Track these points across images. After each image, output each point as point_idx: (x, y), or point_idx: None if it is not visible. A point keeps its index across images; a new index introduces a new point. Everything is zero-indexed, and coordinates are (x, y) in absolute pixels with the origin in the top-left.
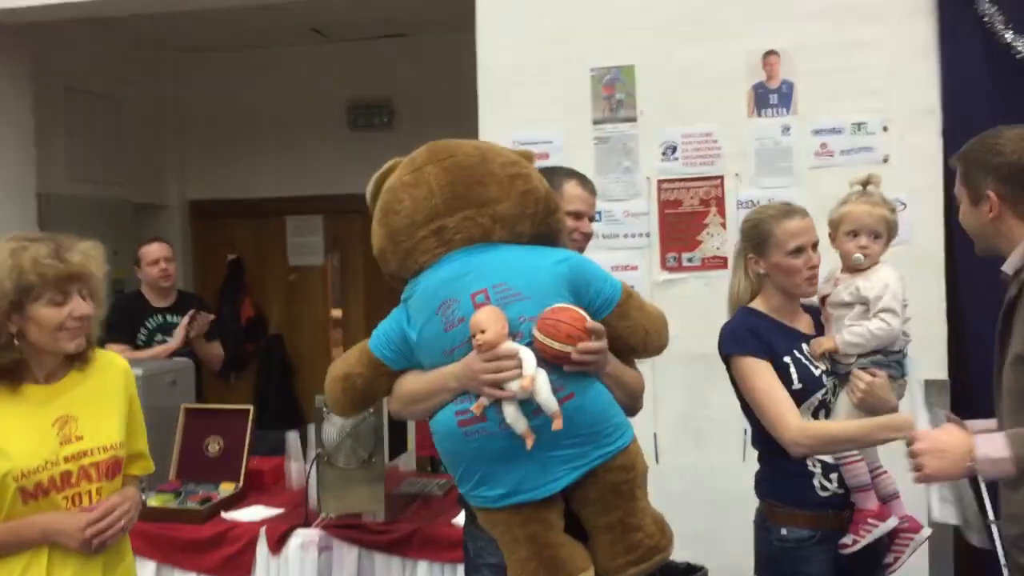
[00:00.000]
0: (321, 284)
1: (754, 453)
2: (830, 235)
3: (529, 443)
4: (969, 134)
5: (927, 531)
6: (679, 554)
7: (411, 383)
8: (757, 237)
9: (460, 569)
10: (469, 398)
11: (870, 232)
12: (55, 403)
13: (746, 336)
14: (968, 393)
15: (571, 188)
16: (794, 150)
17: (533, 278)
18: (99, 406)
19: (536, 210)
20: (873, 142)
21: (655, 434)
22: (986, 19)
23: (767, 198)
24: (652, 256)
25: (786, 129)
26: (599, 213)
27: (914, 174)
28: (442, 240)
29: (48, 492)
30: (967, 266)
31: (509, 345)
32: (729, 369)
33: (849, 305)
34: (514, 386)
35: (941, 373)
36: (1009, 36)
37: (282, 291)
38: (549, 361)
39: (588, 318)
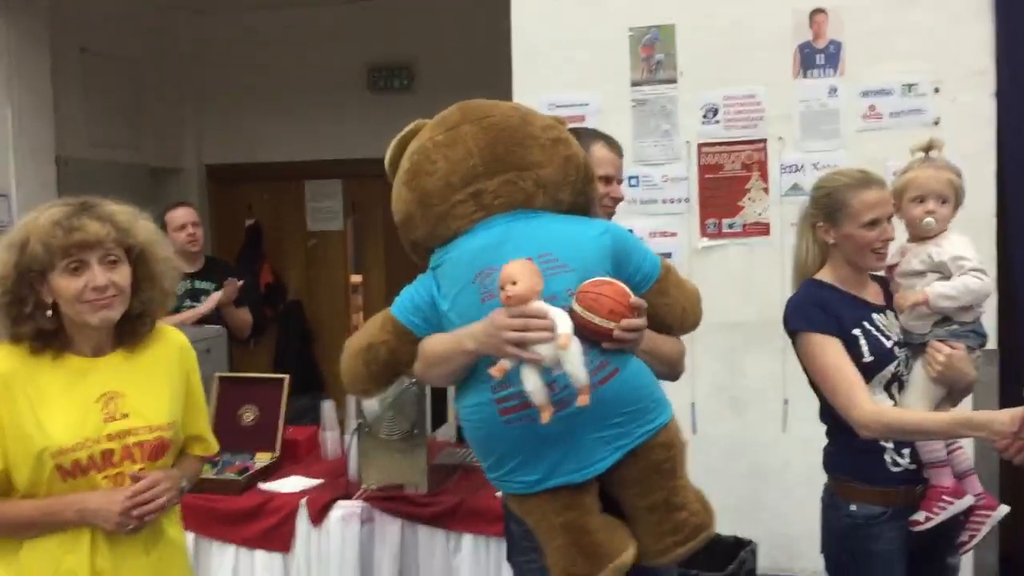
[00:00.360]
0: (340, 249)
1: (794, 424)
2: (894, 205)
3: (546, 417)
4: (1021, 96)
5: (1004, 509)
6: (719, 527)
7: (431, 344)
8: (830, 206)
9: (504, 543)
10: (508, 384)
11: (937, 196)
12: (101, 378)
13: (813, 311)
14: (1018, 361)
15: (599, 151)
16: (841, 112)
17: (578, 249)
18: (149, 384)
19: (577, 177)
20: (924, 104)
21: (692, 404)
22: None
23: (811, 163)
24: (692, 222)
25: (833, 91)
26: (636, 178)
27: (966, 137)
28: (480, 205)
29: (87, 471)
30: (1020, 233)
31: (540, 304)
32: (796, 345)
33: (921, 274)
34: (544, 350)
35: (991, 343)
36: None
37: (301, 256)
38: (587, 337)
39: (631, 293)
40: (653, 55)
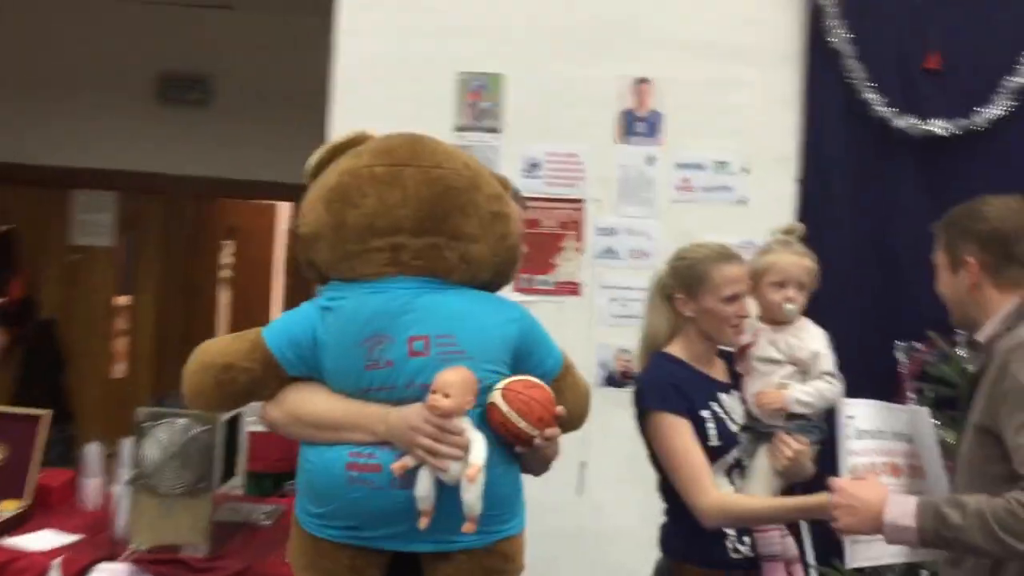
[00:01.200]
0: (108, 267)
1: (592, 487)
2: (749, 285)
3: (424, 523)
4: (823, 184)
5: None
6: None
7: (322, 405)
8: (691, 278)
9: None
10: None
11: (797, 283)
12: None
13: (668, 390)
14: None
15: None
16: (657, 181)
17: (481, 336)
18: None
19: (504, 259)
20: (733, 182)
21: None
22: (849, 75)
23: (626, 228)
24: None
25: (651, 159)
26: None
27: (770, 218)
28: (396, 260)
29: None
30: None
31: (462, 424)
32: (644, 422)
33: (777, 362)
34: (454, 469)
35: None
36: (870, 95)
37: (60, 272)
38: (502, 436)
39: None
40: (479, 102)
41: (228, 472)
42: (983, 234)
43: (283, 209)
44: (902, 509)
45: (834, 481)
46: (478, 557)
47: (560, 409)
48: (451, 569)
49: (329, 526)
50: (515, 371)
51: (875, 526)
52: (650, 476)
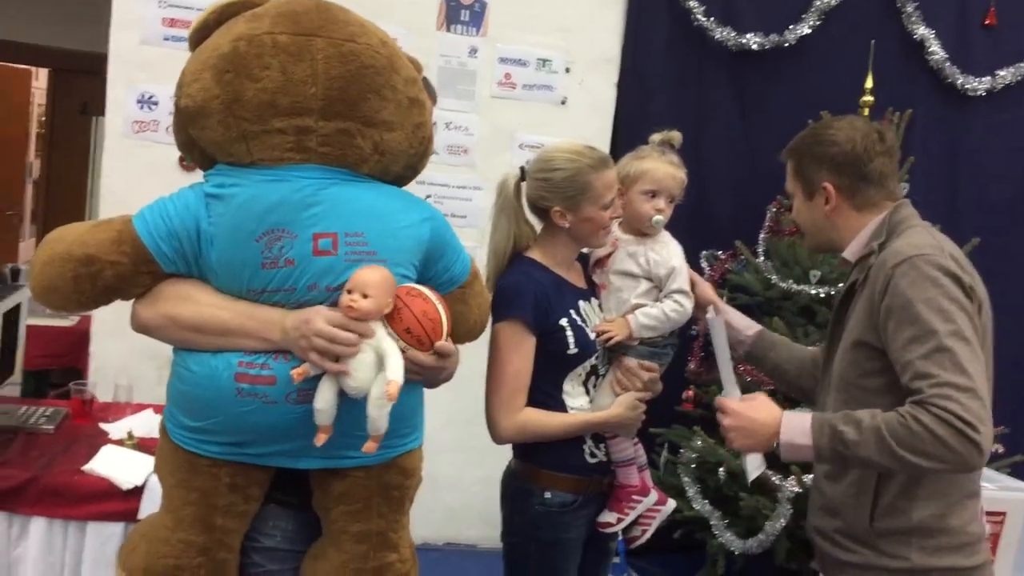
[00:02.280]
0: None
1: None
2: (619, 189)
3: (321, 440)
4: (642, 89)
5: (672, 504)
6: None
7: (206, 306)
8: (572, 189)
9: (89, 528)
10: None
11: (669, 195)
12: None
13: (524, 300)
14: None
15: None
16: (479, 75)
17: (392, 236)
18: None
19: (418, 152)
20: (555, 81)
21: None
22: None
23: (444, 122)
24: None
25: (473, 51)
26: None
27: (588, 120)
28: (301, 145)
29: None
30: None
31: (379, 329)
32: (494, 323)
33: (635, 277)
34: (363, 379)
35: None
36: (691, 3)
37: None
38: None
39: (446, 324)
40: None
41: (3, 370)
42: (836, 158)
43: (40, 76)
44: (797, 428)
45: (724, 403)
46: (375, 473)
47: (445, 340)
48: (344, 486)
49: (208, 441)
50: (422, 274)
51: (770, 446)
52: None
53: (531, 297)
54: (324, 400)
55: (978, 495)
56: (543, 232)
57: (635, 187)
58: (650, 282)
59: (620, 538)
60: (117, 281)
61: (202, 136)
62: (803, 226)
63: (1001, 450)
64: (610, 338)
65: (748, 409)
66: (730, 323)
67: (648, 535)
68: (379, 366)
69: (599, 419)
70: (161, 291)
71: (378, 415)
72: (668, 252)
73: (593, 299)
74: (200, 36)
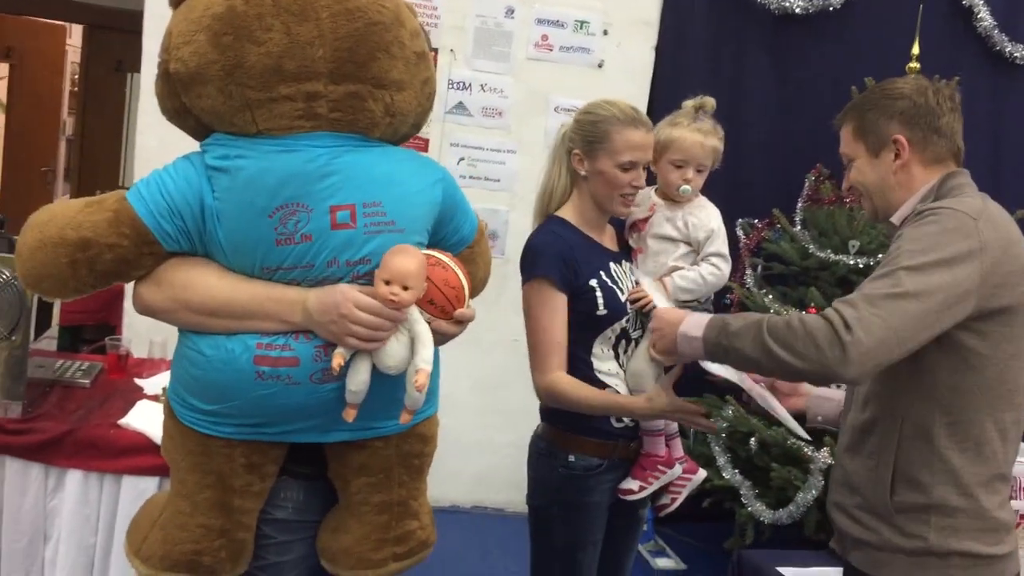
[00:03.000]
0: None
1: None
2: (652, 156)
3: (351, 416)
4: (680, 54)
5: (703, 473)
6: None
7: (220, 288)
8: (593, 135)
9: (124, 481)
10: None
11: (698, 165)
12: None
13: (555, 260)
14: None
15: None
16: (515, 36)
17: (409, 204)
18: None
19: (424, 109)
20: (592, 43)
21: None
22: None
23: (480, 83)
24: None
25: (510, 11)
26: None
27: (625, 84)
28: (311, 112)
29: None
30: None
31: (415, 313)
32: (524, 284)
33: (673, 241)
34: (400, 356)
35: None
36: None
37: None
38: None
39: (467, 290)
40: None
41: (42, 324)
42: (907, 110)
43: (75, 33)
44: (695, 322)
45: (655, 311)
46: (395, 442)
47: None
48: (364, 457)
49: (224, 423)
50: (433, 236)
51: (673, 343)
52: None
53: (558, 256)
54: (359, 382)
55: (1008, 479)
56: (575, 191)
57: (665, 155)
58: (688, 246)
59: (649, 505)
60: (118, 265)
61: (198, 104)
62: (867, 187)
63: None
64: (646, 303)
65: (666, 312)
66: (825, 397)
67: (678, 503)
68: (412, 343)
69: (630, 408)
70: (167, 273)
71: (417, 393)
72: (707, 215)
73: (626, 262)
74: None
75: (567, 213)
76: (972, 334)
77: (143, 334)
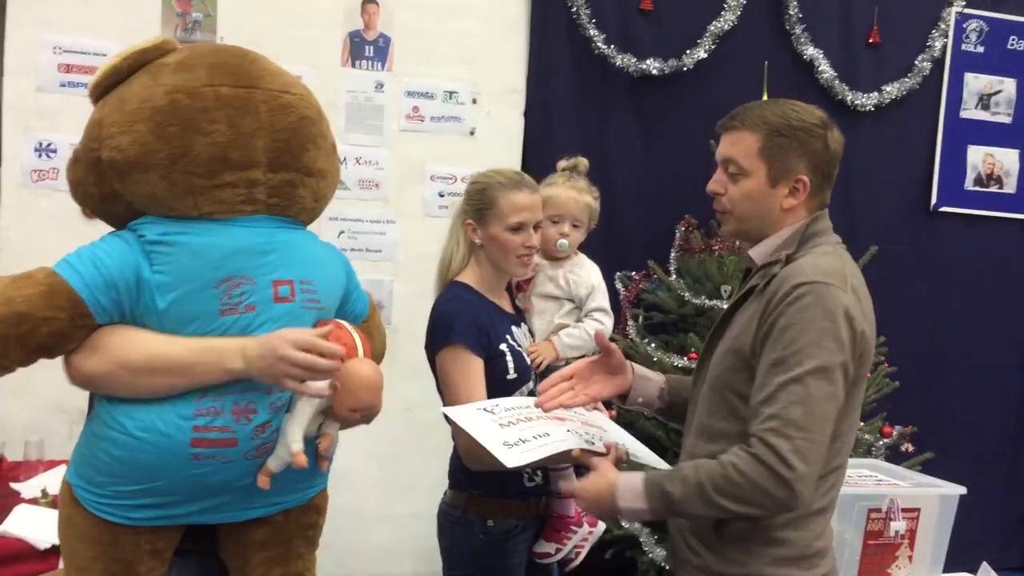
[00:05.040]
0: None
1: None
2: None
3: (266, 483)
4: (548, 118)
5: (602, 526)
6: None
7: (157, 345)
8: (480, 203)
9: None
10: (215, 402)
11: (573, 220)
12: None
13: (467, 324)
14: None
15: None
16: (386, 109)
17: (329, 283)
18: None
19: (330, 195)
20: (462, 112)
21: None
22: (573, 8)
23: (355, 155)
24: None
25: (379, 85)
26: None
27: (497, 150)
28: (250, 197)
29: None
30: None
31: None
32: (435, 351)
33: (556, 299)
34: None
35: None
36: (591, 31)
37: None
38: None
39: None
40: (190, 12)
41: None
42: (819, 153)
43: None
44: (631, 493)
45: (569, 487)
46: (295, 515)
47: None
48: (266, 532)
49: (138, 506)
50: (336, 315)
51: (615, 513)
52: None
53: (471, 321)
54: (294, 432)
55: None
56: (472, 258)
57: (544, 213)
58: (572, 303)
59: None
60: (51, 339)
61: (135, 190)
62: (742, 208)
63: (911, 448)
64: (541, 362)
65: (589, 485)
66: (646, 376)
67: (581, 557)
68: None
69: None
70: (102, 339)
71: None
72: (587, 272)
73: (523, 324)
74: (111, 82)
75: (468, 278)
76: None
77: (17, 436)
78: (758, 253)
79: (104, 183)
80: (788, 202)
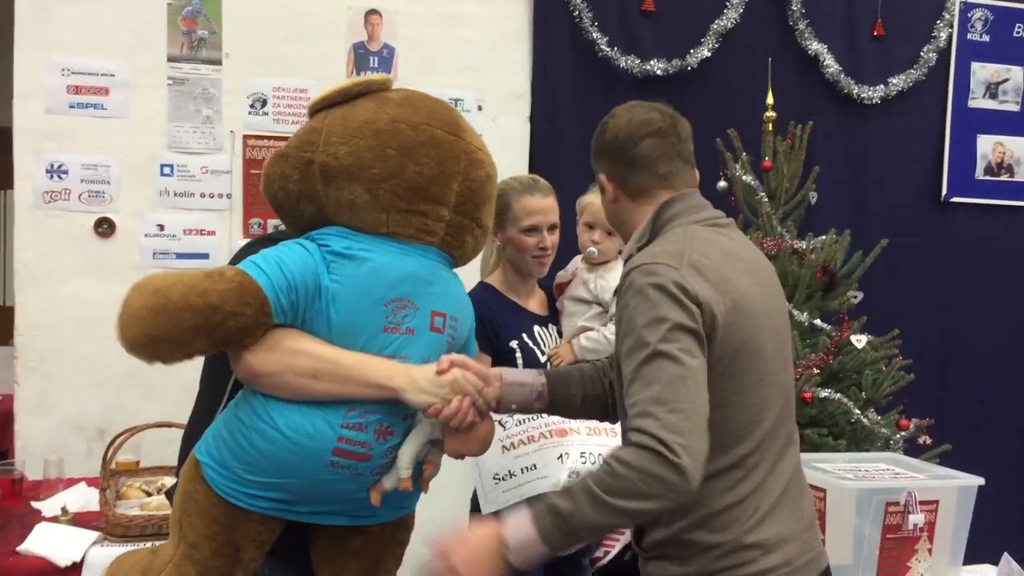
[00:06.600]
0: None
1: None
2: (576, 220)
3: (378, 499)
4: (553, 123)
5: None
6: None
7: (327, 351)
8: (499, 209)
9: None
10: (362, 418)
11: (606, 228)
12: None
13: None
14: None
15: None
16: None
17: (467, 325)
18: None
19: (480, 249)
20: (468, 120)
21: None
22: (575, 12)
23: None
24: (234, 220)
25: None
26: (170, 167)
27: (503, 157)
28: (432, 229)
29: None
30: None
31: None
32: None
33: (586, 303)
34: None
35: None
36: (595, 33)
37: None
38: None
39: None
40: (195, 30)
41: None
42: (606, 146)
43: None
44: (519, 523)
45: (436, 543)
46: (389, 529)
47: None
48: (361, 540)
49: (262, 497)
50: None
51: (503, 558)
52: None
53: (476, 319)
54: (408, 456)
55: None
56: (502, 259)
57: (580, 219)
58: (600, 307)
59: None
60: (237, 334)
61: (336, 196)
62: (610, 223)
63: (928, 441)
64: (559, 363)
65: (462, 543)
66: (519, 382)
67: (611, 556)
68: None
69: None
70: (277, 339)
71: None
72: (613, 277)
73: (552, 325)
74: (335, 101)
75: (494, 280)
76: (717, 375)
77: (36, 455)
78: (625, 252)
79: (308, 183)
80: (608, 202)
